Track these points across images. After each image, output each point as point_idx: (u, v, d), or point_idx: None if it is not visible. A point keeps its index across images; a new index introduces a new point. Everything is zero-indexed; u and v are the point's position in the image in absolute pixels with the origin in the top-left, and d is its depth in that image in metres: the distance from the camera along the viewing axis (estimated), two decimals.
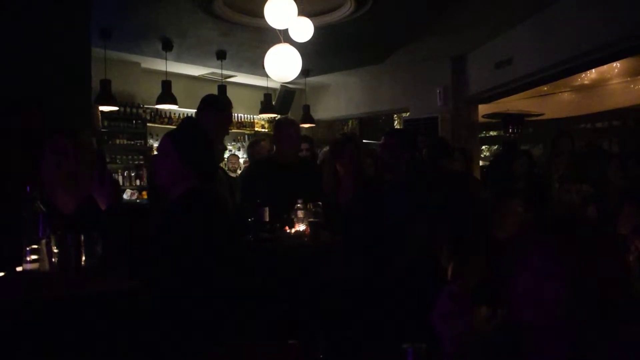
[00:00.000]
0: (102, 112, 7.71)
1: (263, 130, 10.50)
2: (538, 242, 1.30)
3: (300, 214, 3.79)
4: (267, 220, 3.75)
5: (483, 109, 9.24)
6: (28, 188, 2.26)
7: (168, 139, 2.53)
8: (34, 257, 2.19)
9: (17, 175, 2.94)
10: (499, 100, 8.99)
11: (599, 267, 1.24)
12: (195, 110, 3.71)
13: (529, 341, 1.33)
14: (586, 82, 9.23)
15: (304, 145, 5.67)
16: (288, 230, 3.79)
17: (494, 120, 9.95)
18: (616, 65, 8.40)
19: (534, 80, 7.47)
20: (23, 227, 2.21)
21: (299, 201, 3.80)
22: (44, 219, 2.25)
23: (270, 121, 10.59)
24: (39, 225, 2.23)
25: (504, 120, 9.49)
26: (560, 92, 9.80)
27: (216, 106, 3.70)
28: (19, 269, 2.21)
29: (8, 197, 2.65)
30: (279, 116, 9.86)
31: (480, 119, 9.38)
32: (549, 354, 1.29)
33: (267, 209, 3.74)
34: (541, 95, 9.77)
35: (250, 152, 6.14)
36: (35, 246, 2.20)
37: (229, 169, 7.88)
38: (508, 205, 2.63)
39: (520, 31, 7.09)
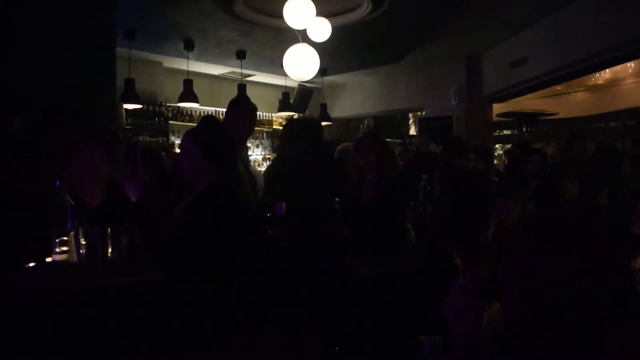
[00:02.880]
0: (126, 109, 7.86)
1: (281, 128, 10.63)
2: (521, 239, 1.34)
3: None
4: (284, 215, 3.82)
5: (497, 108, 9.27)
6: (57, 182, 2.33)
7: (188, 137, 2.60)
8: (62, 248, 2.25)
9: (47, 171, 3.07)
10: (513, 100, 9.02)
11: (584, 267, 1.24)
12: (216, 109, 3.85)
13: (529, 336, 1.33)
14: (600, 81, 9.22)
15: None
16: None
17: (508, 120, 9.96)
18: (630, 65, 8.39)
19: (548, 79, 7.49)
20: (52, 220, 2.27)
21: None
22: (72, 212, 2.31)
23: (287, 119, 10.74)
24: (67, 218, 2.29)
25: (518, 119, 9.49)
26: (574, 91, 9.78)
27: (235, 104, 3.86)
28: (48, 259, 2.28)
29: (39, 192, 2.69)
30: (296, 114, 10.00)
31: (495, 118, 9.40)
32: (549, 351, 1.29)
33: (284, 204, 3.81)
34: (555, 95, 9.75)
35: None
36: (64, 238, 2.26)
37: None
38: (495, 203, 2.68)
39: (535, 31, 7.13)
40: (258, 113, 10.10)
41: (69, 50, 4.60)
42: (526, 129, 9.14)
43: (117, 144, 2.76)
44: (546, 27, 6.88)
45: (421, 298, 2.22)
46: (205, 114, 9.22)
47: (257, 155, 10.07)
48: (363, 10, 6.27)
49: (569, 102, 9.88)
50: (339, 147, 5.65)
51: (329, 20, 5.20)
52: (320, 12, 4.97)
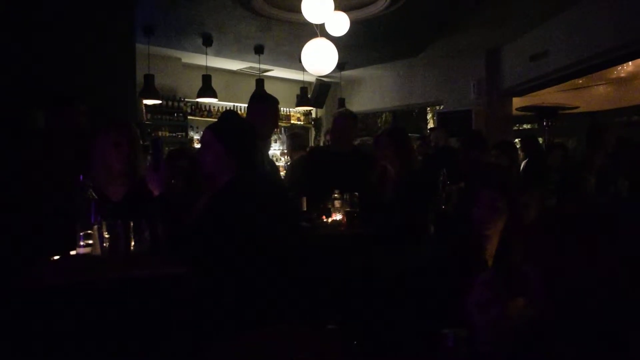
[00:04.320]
0: (145, 105, 7.96)
1: (299, 122, 10.68)
2: (546, 236, 1.33)
3: (337, 203, 3.88)
4: (305, 209, 3.85)
5: (517, 102, 9.19)
6: (81, 177, 2.37)
7: (210, 131, 2.62)
8: (87, 242, 2.30)
9: (71, 166, 3.10)
10: (533, 93, 8.95)
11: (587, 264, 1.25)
12: (234, 104, 3.87)
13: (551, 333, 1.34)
14: (622, 74, 9.11)
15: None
16: (325, 219, 3.88)
17: (527, 114, 9.87)
18: None
19: (569, 73, 7.40)
20: (77, 213, 2.31)
21: (336, 191, 3.91)
22: (96, 206, 2.35)
23: (305, 114, 10.79)
24: (91, 211, 2.33)
25: (538, 113, 9.40)
26: (596, 84, 9.68)
27: (257, 99, 3.88)
28: (72, 252, 2.33)
29: (63, 186, 2.75)
30: (314, 109, 10.01)
31: (514, 112, 9.33)
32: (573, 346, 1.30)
33: (304, 198, 3.84)
34: (576, 88, 9.67)
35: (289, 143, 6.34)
36: (88, 232, 2.30)
37: None
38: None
39: (556, 23, 7.05)
40: None
41: (90, 47, 4.65)
42: (546, 123, 9.04)
43: (126, 137, 2.75)
44: (567, 19, 6.80)
45: (444, 292, 2.22)
46: (224, 109, 9.30)
47: (275, 150, 10.10)
48: (381, 4, 6.24)
49: (590, 95, 9.78)
50: (357, 142, 5.67)
51: (347, 14, 5.18)
52: (338, 6, 4.96)
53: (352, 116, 4.46)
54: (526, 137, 8.12)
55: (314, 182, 4.04)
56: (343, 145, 4.28)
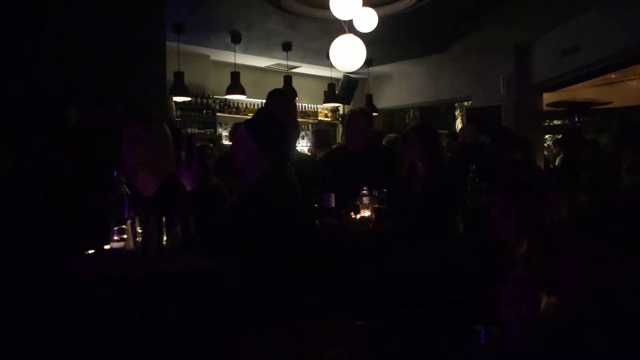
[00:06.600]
0: (175, 102, 8.05)
1: (327, 119, 10.69)
2: (578, 236, 1.32)
3: (365, 200, 3.87)
4: (333, 206, 3.86)
5: (547, 97, 9.04)
6: (115, 173, 2.38)
7: (244, 127, 2.65)
8: (121, 236, 2.32)
9: (105, 163, 3.16)
10: (564, 89, 8.81)
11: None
12: (262, 100, 3.88)
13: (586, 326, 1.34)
14: None
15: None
16: (353, 216, 3.85)
17: (558, 109, 9.71)
18: None
19: (602, 67, 7.26)
20: (111, 209, 2.34)
21: (364, 188, 3.90)
22: (129, 201, 2.37)
23: (333, 110, 10.79)
24: (124, 207, 2.35)
25: (570, 108, 9.23)
26: (629, 79, 9.48)
27: (273, 94, 3.90)
28: (106, 247, 2.37)
29: (97, 182, 2.76)
30: (341, 105, 9.99)
31: (545, 108, 9.17)
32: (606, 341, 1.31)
33: (333, 195, 3.84)
34: (609, 83, 9.48)
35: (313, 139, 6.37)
36: (122, 227, 2.32)
37: None
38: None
39: (588, 17, 6.92)
40: (303, 105, 10.24)
41: (121, 46, 4.72)
42: (578, 119, 8.88)
43: (138, 132, 2.77)
44: (600, 13, 6.67)
45: (475, 289, 2.21)
46: (252, 105, 9.38)
47: (303, 146, 10.12)
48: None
49: (623, 90, 9.57)
50: (385, 139, 5.65)
51: (375, 10, 5.16)
52: (366, 2, 4.94)
53: (364, 113, 4.43)
54: (569, 131, 7.98)
55: (334, 182, 4.03)
56: (358, 143, 4.25)
